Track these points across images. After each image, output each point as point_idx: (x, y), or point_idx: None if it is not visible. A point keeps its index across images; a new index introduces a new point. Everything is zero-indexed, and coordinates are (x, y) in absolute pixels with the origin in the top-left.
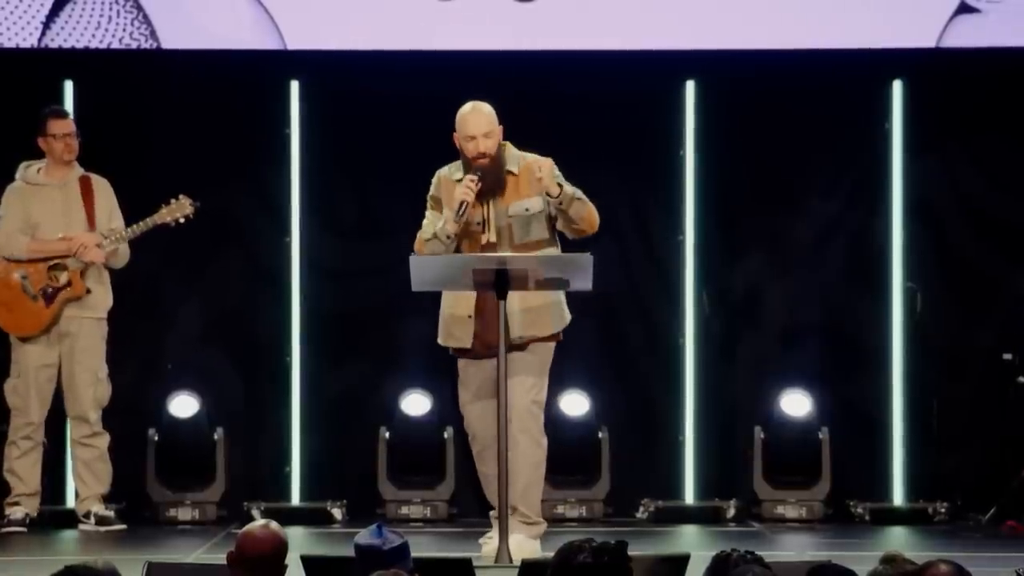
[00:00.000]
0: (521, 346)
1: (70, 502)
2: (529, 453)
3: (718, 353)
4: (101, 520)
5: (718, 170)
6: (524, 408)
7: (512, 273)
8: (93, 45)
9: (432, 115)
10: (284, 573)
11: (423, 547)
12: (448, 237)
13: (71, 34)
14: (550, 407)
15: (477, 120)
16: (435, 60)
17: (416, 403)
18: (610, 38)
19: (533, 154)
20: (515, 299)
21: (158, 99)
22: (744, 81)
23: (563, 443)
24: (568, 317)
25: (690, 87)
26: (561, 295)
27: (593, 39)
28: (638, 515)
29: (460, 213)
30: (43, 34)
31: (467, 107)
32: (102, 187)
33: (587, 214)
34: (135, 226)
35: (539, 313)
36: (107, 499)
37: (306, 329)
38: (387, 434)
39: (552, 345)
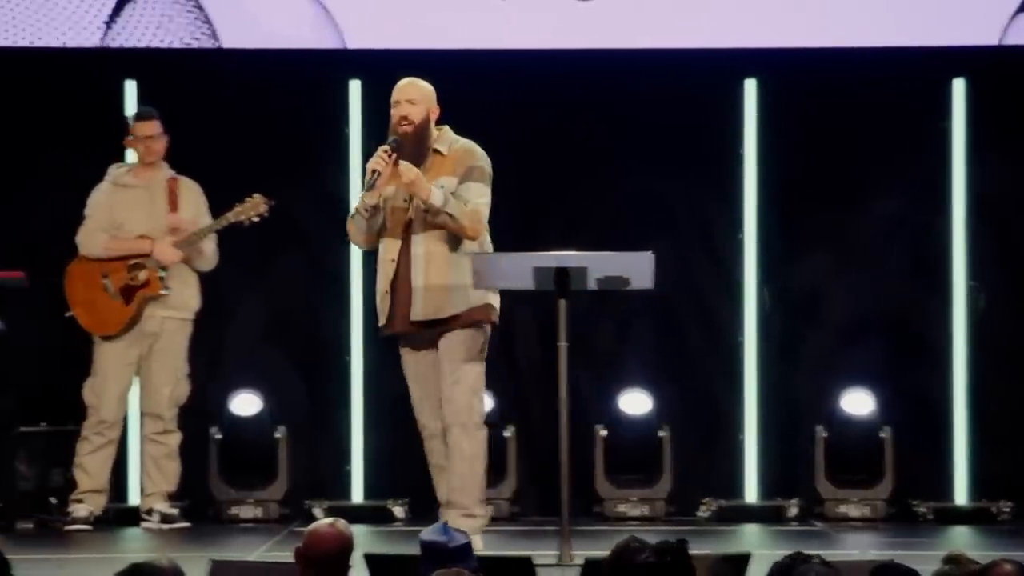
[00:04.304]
0: (444, 331)
1: (132, 500)
2: (464, 446)
3: (779, 351)
4: (165, 518)
5: (778, 168)
6: (457, 400)
7: (572, 272)
8: (154, 44)
9: (492, 113)
10: (349, 571)
11: (484, 545)
12: (365, 210)
13: (132, 34)
14: (610, 406)
15: (404, 86)
16: (494, 59)
17: None
18: (669, 37)
19: (470, 141)
20: (419, 277)
21: (219, 99)
22: (804, 79)
23: (624, 442)
24: (486, 298)
25: (750, 85)
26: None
27: (653, 37)
28: (700, 514)
29: (370, 183)
30: (105, 34)
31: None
32: (190, 190)
33: (456, 227)
34: (209, 225)
35: (440, 293)
36: (172, 497)
37: (367, 328)
38: None
39: (479, 330)
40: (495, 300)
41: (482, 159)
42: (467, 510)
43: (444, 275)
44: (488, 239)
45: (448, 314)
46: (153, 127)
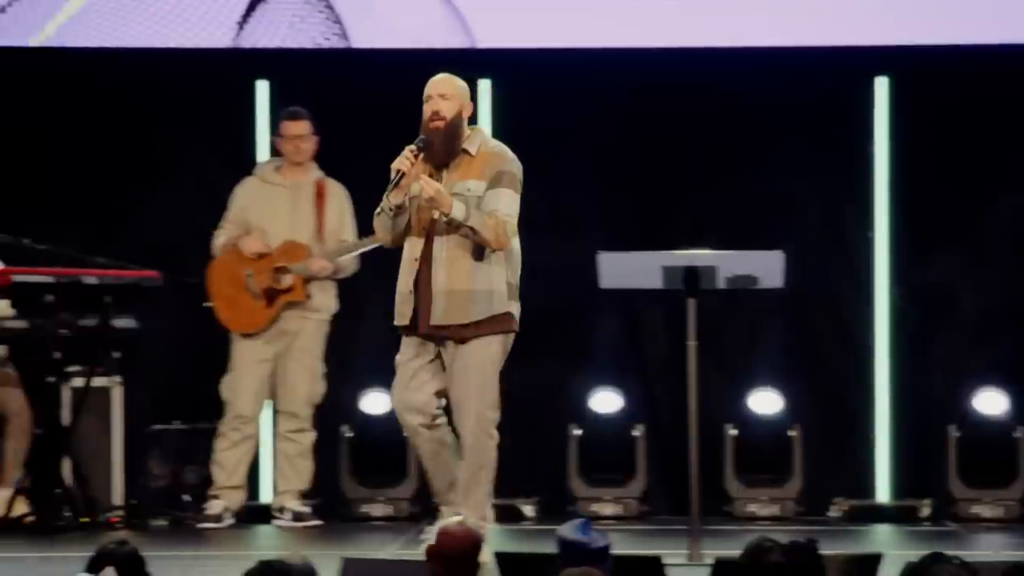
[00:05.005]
0: (463, 338)
1: (264, 497)
2: (474, 458)
3: (911, 350)
4: (297, 516)
5: (909, 165)
6: (475, 413)
7: (701, 271)
8: (286, 45)
9: (621, 113)
10: (479, 569)
11: (614, 544)
12: (390, 209)
13: (264, 34)
14: (740, 405)
15: (437, 81)
16: (625, 57)
17: (606, 401)
18: (799, 35)
19: (501, 143)
20: (440, 280)
21: (349, 98)
22: (935, 76)
23: (754, 441)
24: (507, 307)
25: (881, 83)
26: (497, 282)
27: (783, 36)
28: (830, 514)
29: (394, 183)
30: (237, 34)
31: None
32: (337, 193)
33: (479, 240)
34: (356, 243)
35: (462, 298)
36: (304, 495)
37: None
38: (577, 431)
39: (495, 339)
40: (516, 309)
41: (512, 163)
42: (468, 515)
43: (467, 279)
44: (517, 246)
45: (468, 320)
46: (302, 127)
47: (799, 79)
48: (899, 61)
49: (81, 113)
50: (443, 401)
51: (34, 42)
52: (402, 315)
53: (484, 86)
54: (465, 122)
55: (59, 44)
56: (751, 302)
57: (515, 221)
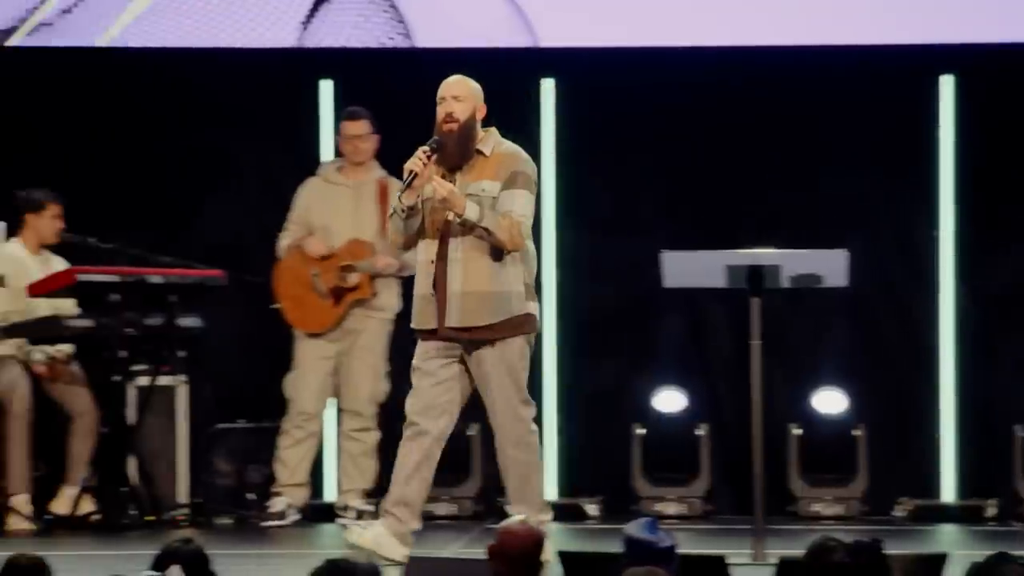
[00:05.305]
0: (484, 341)
1: (327, 496)
2: (519, 458)
3: (976, 349)
4: (361, 515)
5: (975, 164)
6: (509, 416)
7: (765, 270)
8: (351, 44)
9: (684, 111)
10: (541, 568)
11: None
12: (403, 210)
13: (328, 33)
14: (804, 404)
15: (451, 83)
16: (687, 56)
17: (670, 400)
18: (863, 33)
19: (515, 144)
20: (456, 282)
21: (413, 98)
22: (1001, 75)
23: (819, 440)
24: (525, 308)
25: (946, 81)
26: (514, 283)
27: (847, 35)
28: (895, 514)
29: (407, 183)
30: (302, 34)
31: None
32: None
33: (493, 241)
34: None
35: (480, 300)
36: (368, 494)
37: (561, 326)
38: (641, 431)
39: (518, 340)
40: (535, 308)
41: (527, 164)
42: (527, 514)
43: (484, 281)
44: (532, 247)
45: (486, 322)
46: (361, 127)
47: (864, 77)
48: (964, 59)
49: (146, 113)
50: (458, 412)
51: (99, 42)
52: (424, 319)
53: (548, 85)
54: (479, 124)
55: (124, 44)
56: (815, 301)
57: (530, 222)
